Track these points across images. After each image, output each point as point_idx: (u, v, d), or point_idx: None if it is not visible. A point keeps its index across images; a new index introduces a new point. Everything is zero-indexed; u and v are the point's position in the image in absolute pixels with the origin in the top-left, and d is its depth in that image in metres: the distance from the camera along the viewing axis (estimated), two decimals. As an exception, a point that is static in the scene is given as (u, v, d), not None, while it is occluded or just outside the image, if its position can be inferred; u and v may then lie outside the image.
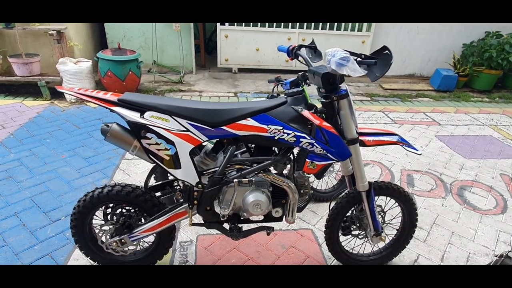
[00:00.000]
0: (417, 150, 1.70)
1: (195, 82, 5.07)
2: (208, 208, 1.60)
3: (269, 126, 1.43)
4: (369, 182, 1.68)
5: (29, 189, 2.45)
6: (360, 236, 1.85)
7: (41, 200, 2.35)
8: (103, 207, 1.63)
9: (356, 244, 2.02)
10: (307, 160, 2.18)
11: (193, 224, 1.66)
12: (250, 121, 1.43)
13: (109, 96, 1.43)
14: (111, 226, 1.64)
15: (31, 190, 2.45)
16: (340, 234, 1.84)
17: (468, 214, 2.52)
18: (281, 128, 1.43)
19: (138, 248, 1.75)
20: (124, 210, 1.65)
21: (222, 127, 1.43)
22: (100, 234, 1.65)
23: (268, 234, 1.72)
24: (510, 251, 1.52)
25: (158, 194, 1.72)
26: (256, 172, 1.55)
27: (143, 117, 1.41)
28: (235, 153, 1.66)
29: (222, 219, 1.61)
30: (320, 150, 1.48)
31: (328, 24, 5.33)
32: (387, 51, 1.31)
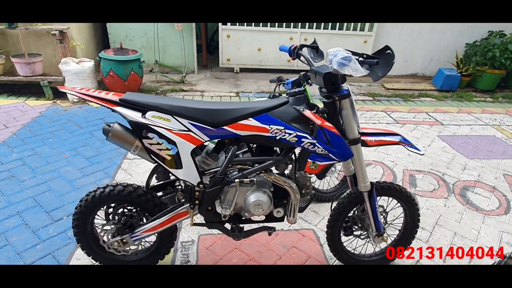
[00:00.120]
0: (419, 150, 1.69)
1: (197, 82, 5.07)
2: (209, 208, 1.60)
3: (271, 126, 1.42)
4: (371, 182, 1.67)
5: (31, 189, 2.46)
6: (362, 237, 1.85)
7: (44, 200, 2.36)
8: (105, 207, 1.64)
9: (358, 244, 2.02)
10: (308, 160, 2.18)
11: (195, 224, 1.66)
12: (251, 121, 1.42)
13: (111, 96, 1.43)
14: (112, 226, 1.64)
15: (34, 189, 2.46)
16: (342, 234, 1.83)
17: (471, 214, 2.50)
18: (283, 128, 1.43)
19: (140, 248, 1.76)
20: (125, 210, 1.65)
21: (224, 127, 1.43)
22: (101, 234, 1.65)
23: (269, 234, 1.72)
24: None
25: (159, 194, 1.72)
26: (257, 172, 1.55)
27: (144, 117, 1.41)
28: (237, 153, 1.66)
29: (223, 219, 1.61)
30: (322, 150, 1.47)
31: (330, 23, 5.32)
32: (389, 51, 1.31)
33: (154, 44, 5.10)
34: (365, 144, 1.61)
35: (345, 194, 1.76)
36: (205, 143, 1.53)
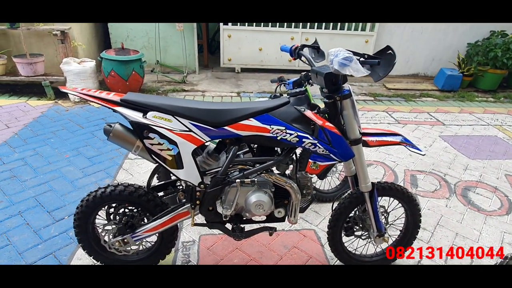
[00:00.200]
0: (420, 151, 1.69)
1: (198, 82, 5.08)
2: (210, 208, 1.60)
3: (272, 126, 1.42)
4: (372, 182, 1.67)
5: (33, 189, 2.47)
6: (363, 237, 1.84)
7: (45, 200, 2.36)
8: (106, 207, 1.64)
9: (359, 244, 2.01)
10: (309, 160, 2.18)
11: (196, 224, 1.66)
12: (252, 121, 1.42)
13: (112, 96, 1.44)
14: (114, 226, 1.64)
15: (35, 189, 2.46)
16: (343, 234, 1.83)
17: (473, 215, 2.50)
18: (284, 128, 1.43)
19: (141, 248, 1.76)
20: (127, 210, 1.66)
21: (225, 127, 1.43)
22: (103, 234, 1.65)
23: (270, 234, 1.72)
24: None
25: (160, 194, 1.72)
26: (258, 173, 1.55)
27: (145, 117, 1.41)
28: (238, 153, 1.66)
29: (224, 219, 1.61)
30: (323, 151, 1.47)
31: (331, 23, 5.31)
32: (390, 51, 1.31)
33: (155, 44, 5.11)
34: (366, 144, 1.61)
35: (346, 194, 1.75)
36: (206, 143, 1.53)
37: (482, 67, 5.29)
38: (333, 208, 1.78)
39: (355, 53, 1.34)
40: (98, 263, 1.78)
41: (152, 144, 1.43)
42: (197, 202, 1.58)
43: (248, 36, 5.27)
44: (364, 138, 1.59)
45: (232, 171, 1.57)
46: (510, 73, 5.55)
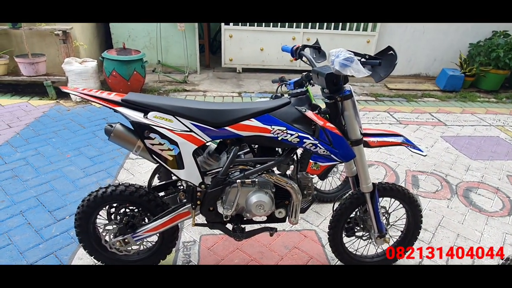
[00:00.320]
0: (422, 151, 1.68)
1: (200, 82, 5.08)
2: (211, 209, 1.60)
3: (273, 126, 1.42)
4: (373, 183, 1.66)
5: (34, 188, 2.47)
6: (364, 238, 1.84)
7: (46, 199, 2.37)
8: (107, 207, 1.64)
9: (360, 245, 2.01)
10: (310, 161, 2.17)
11: (196, 225, 1.66)
12: (253, 122, 1.42)
13: (113, 96, 1.44)
14: (114, 226, 1.64)
15: (37, 189, 2.47)
16: (343, 235, 1.82)
17: (474, 216, 2.49)
18: (285, 128, 1.42)
19: (142, 247, 1.76)
20: (127, 210, 1.66)
21: (225, 128, 1.43)
22: (103, 234, 1.66)
23: (271, 235, 1.72)
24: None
25: (161, 194, 1.73)
26: (259, 173, 1.55)
27: (146, 117, 1.41)
28: (238, 153, 1.66)
29: (225, 219, 1.61)
30: (324, 151, 1.47)
31: (333, 23, 5.31)
32: (391, 52, 1.30)
33: (157, 44, 5.11)
34: (367, 145, 1.60)
35: (347, 195, 1.75)
36: (207, 144, 1.53)
37: (484, 68, 5.28)
38: (334, 208, 1.78)
39: (356, 54, 1.34)
40: (99, 263, 1.78)
41: (153, 144, 1.44)
42: (198, 202, 1.58)
43: (249, 36, 5.27)
44: (365, 139, 1.59)
45: (233, 172, 1.57)
46: (512, 74, 5.54)
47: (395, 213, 2.08)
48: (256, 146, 1.65)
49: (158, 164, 1.51)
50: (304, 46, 1.77)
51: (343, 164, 1.78)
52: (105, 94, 1.44)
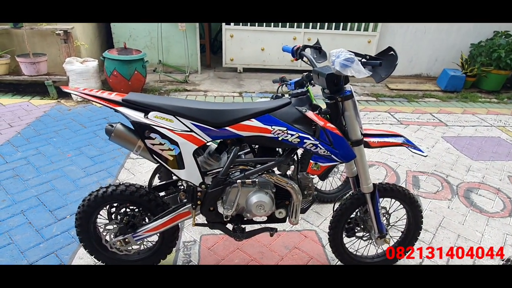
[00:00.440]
0: (422, 152, 1.68)
1: (200, 81, 5.08)
2: (211, 209, 1.60)
3: (273, 127, 1.42)
4: (373, 184, 1.66)
5: (35, 188, 2.48)
6: (364, 238, 1.84)
7: (47, 199, 2.37)
8: (108, 206, 1.64)
9: (360, 246, 2.01)
10: (311, 161, 2.17)
11: (197, 224, 1.66)
12: (253, 122, 1.42)
13: (114, 96, 1.44)
14: (115, 226, 1.65)
15: (37, 188, 2.47)
16: (344, 235, 1.82)
17: (475, 216, 2.49)
18: (285, 129, 1.42)
19: (142, 247, 1.76)
20: (128, 210, 1.66)
21: (226, 128, 1.43)
22: (104, 233, 1.66)
23: (271, 235, 1.72)
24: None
25: (162, 194, 1.73)
26: (259, 173, 1.55)
27: (147, 117, 1.41)
28: (239, 153, 1.66)
29: (225, 219, 1.61)
30: (324, 152, 1.47)
31: (334, 23, 5.30)
32: (392, 52, 1.30)
33: (158, 44, 5.11)
34: (367, 145, 1.60)
35: (347, 195, 1.75)
36: (208, 144, 1.53)
37: (486, 68, 5.27)
38: (334, 209, 1.78)
39: (356, 54, 1.34)
40: (99, 263, 1.78)
41: (153, 144, 1.44)
42: (198, 202, 1.58)
43: (250, 36, 5.27)
44: (365, 139, 1.59)
45: (233, 172, 1.57)
46: (513, 74, 5.52)
47: (396, 214, 2.08)
48: (257, 146, 1.65)
49: (158, 164, 1.51)
50: (305, 46, 1.76)
51: (343, 164, 1.78)
52: (105, 94, 1.45)
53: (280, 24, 5.23)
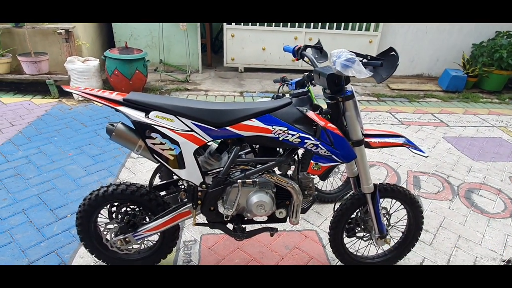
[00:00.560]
0: (423, 152, 1.68)
1: (201, 81, 5.08)
2: (212, 208, 1.60)
3: (274, 127, 1.42)
4: (374, 184, 1.66)
5: (36, 187, 2.48)
6: (364, 238, 1.84)
7: (48, 198, 2.38)
8: (108, 206, 1.65)
9: (361, 246, 2.01)
10: (311, 161, 2.17)
11: (197, 224, 1.67)
12: (254, 122, 1.42)
13: (115, 95, 1.44)
14: (115, 225, 1.65)
15: (39, 187, 2.48)
16: (344, 236, 1.82)
17: (476, 217, 2.48)
18: (286, 129, 1.42)
19: (142, 246, 1.76)
20: (128, 209, 1.66)
21: (227, 128, 1.43)
22: (105, 233, 1.66)
23: (271, 235, 1.72)
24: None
25: (162, 193, 1.73)
26: (260, 173, 1.55)
27: (148, 117, 1.41)
28: (239, 153, 1.66)
29: (225, 219, 1.61)
30: (325, 152, 1.47)
31: (335, 23, 5.29)
32: (393, 52, 1.30)
33: (159, 43, 5.12)
34: (368, 145, 1.60)
35: (348, 195, 1.75)
36: (208, 144, 1.53)
37: (487, 68, 5.25)
38: (335, 209, 1.77)
39: (358, 54, 1.34)
40: (100, 262, 1.79)
41: (154, 144, 1.44)
42: (199, 202, 1.58)
43: (251, 36, 5.27)
44: (366, 140, 1.58)
45: (233, 171, 1.57)
46: (515, 74, 5.50)
47: (396, 214, 2.07)
48: (257, 146, 1.65)
49: (159, 164, 1.52)
50: (306, 46, 1.76)
51: (344, 164, 1.78)
52: (107, 94, 1.45)
53: (281, 23, 5.22)
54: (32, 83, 4.42)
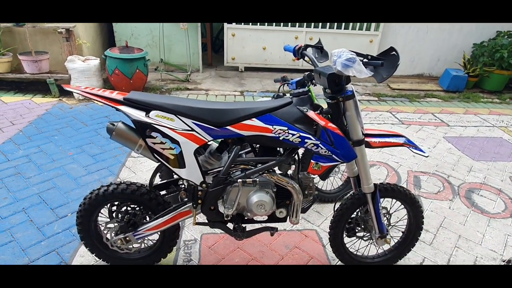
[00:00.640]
0: (424, 152, 1.68)
1: (202, 80, 5.08)
2: (212, 208, 1.61)
3: (274, 126, 1.42)
4: (374, 184, 1.66)
5: (37, 186, 2.48)
6: (364, 238, 1.84)
7: (49, 197, 2.38)
8: (109, 205, 1.65)
9: (361, 246, 2.01)
10: (312, 161, 2.17)
11: (197, 223, 1.67)
12: (255, 121, 1.42)
13: (115, 95, 1.44)
14: (116, 224, 1.65)
15: (39, 186, 2.48)
16: (344, 235, 1.82)
17: (476, 217, 2.48)
18: (286, 128, 1.42)
19: (143, 246, 1.77)
20: (129, 208, 1.66)
21: (227, 127, 1.43)
22: (105, 232, 1.66)
23: (272, 234, 1.72)
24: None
25: (162, 192, 1.73)
26: (260, 172, 1.55)
27: (148, 116, 1.41)
28: (240, 153, 1.66)
29: (226, 218, 1.61)
30: (325, 151, 1.47)
31: (335, 23, 5.29)
32: (394, 52, 1.30)
33: (160, 42, 5.12)
34: (369, 145, 1.60)
35: (348, 195, 1.75)
36: (209, 143, 1.53)
37: (488, 68, 5.25)
38: (335, 208, 1.77)
39: (358, 54, 1.34)
40: (100, 261, 1.79)
41: (154, 143, 1.44)
42: (199, 201, 1.58)
43: (252, 35, 5.26)
44: (367, 139, 1.58)
45: (234, 171, 1.57)
46: (516, 74, 5.50)
47: (397, 214, 2.07)
48: (258, 145, 1.65)
49: (159, 163, 1.52)
50: (307, 46, 1.76)
51: (344, 164, 1.78)
52: (107, 93, 1.45)
53: (282, 23, 5.22)
54: (32, 82, 4.42)
